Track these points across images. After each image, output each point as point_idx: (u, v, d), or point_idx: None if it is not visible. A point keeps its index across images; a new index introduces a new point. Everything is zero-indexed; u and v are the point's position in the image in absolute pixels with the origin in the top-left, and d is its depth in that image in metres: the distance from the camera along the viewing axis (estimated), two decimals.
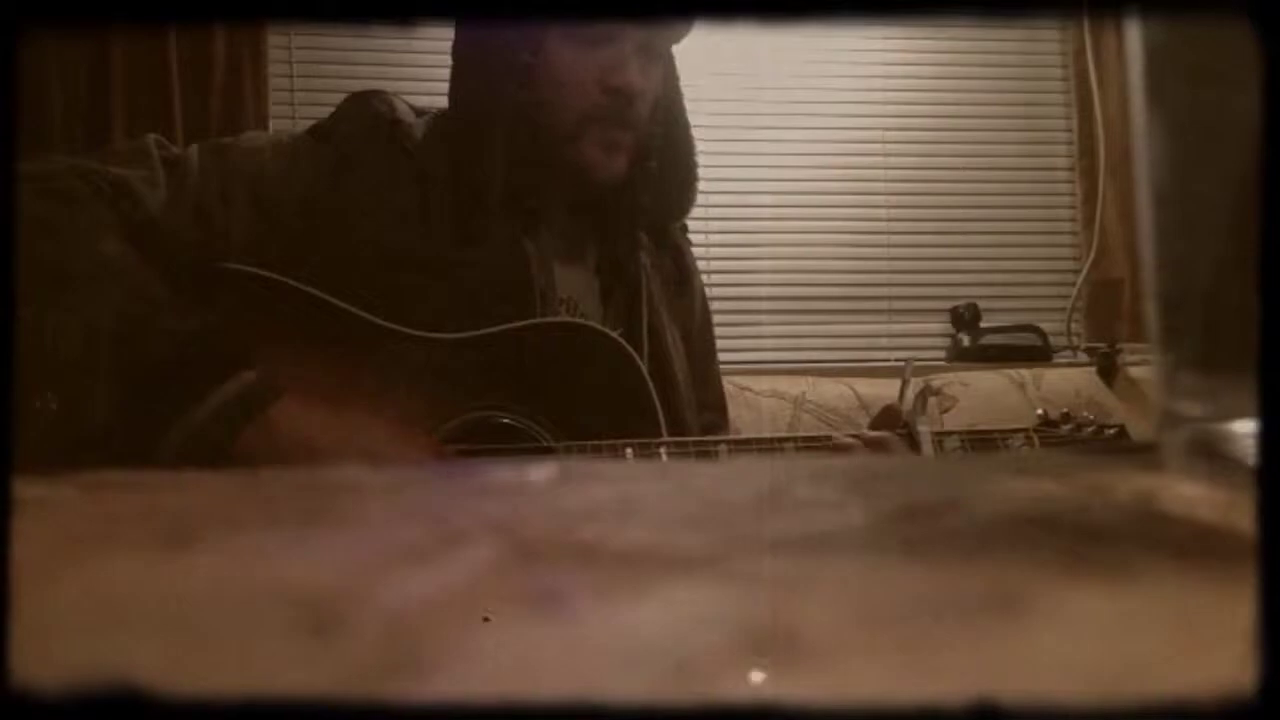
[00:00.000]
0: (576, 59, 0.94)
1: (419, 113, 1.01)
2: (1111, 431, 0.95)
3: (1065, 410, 1.00)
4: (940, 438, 0.93)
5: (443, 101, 1.01)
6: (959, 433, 0.94)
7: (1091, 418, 0.98)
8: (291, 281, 0.89)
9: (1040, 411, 1.01)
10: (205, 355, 0.79)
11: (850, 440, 0.92)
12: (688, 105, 1.06)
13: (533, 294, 0.96)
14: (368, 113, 0.98)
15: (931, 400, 0.93)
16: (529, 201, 0.98)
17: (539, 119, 0.95)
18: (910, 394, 0.94)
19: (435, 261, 0.93)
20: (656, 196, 1.03)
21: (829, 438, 0.94)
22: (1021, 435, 0.95)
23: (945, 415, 0.94)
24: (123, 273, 0.82)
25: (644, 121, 0.97)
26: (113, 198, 0.86)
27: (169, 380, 0.77)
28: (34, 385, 0.73)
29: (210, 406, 0.76)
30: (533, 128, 0.95)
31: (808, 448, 0.92)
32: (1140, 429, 0.92)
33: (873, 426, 0.99)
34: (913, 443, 0.92)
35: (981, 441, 0.94)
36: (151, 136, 0.94)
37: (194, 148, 0.95)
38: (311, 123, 1.02)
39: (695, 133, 1.06)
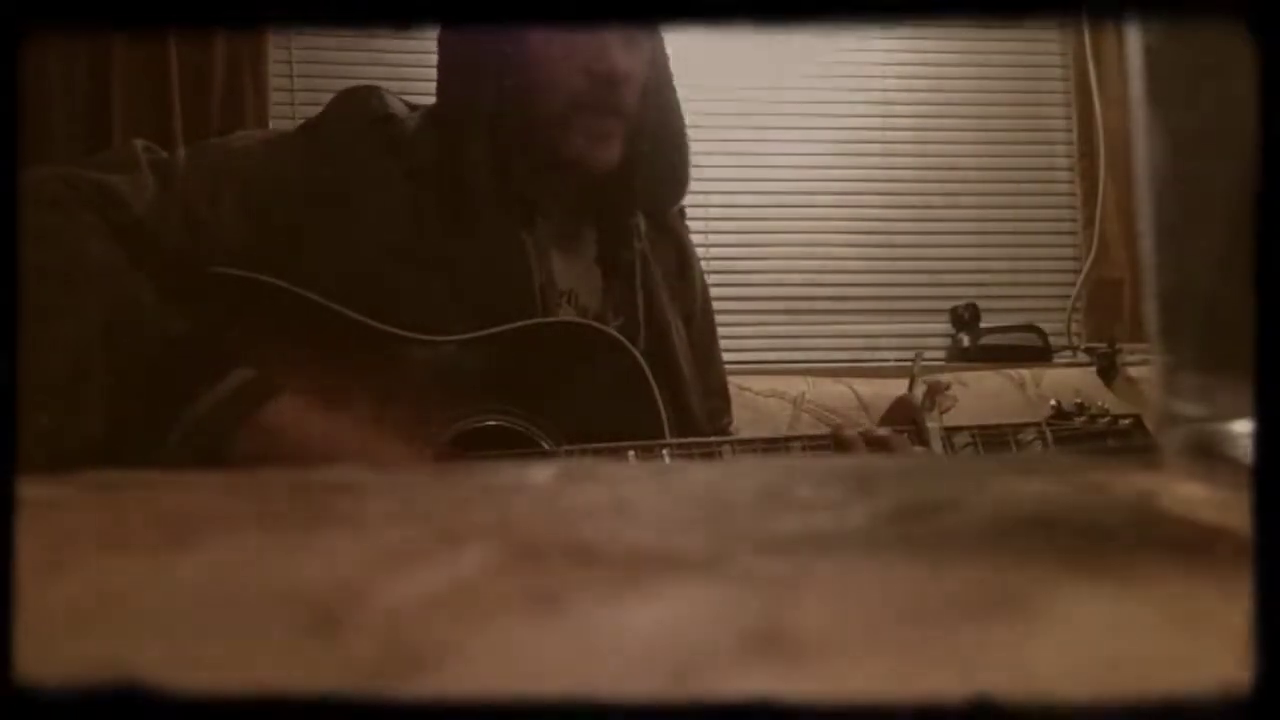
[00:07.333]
0: (558, 44, 0.91)
1: (413, 109, 0.99)
2: (1127, 422, 0.94)
3: (1079, 401, 0.98)
4: (950, 433, 0.91)
5: None
6: (970, 428, 0.92)
7: (1106, 407, 0.96)
8: (283, 284, 0.87)
9: (1054, 403, 0.99)
10: (198, 355, 0.78)
11: (856, 436, 0.90)
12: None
13: (533, 288, 0.94)
14: (358, 109, 0.96)
15: (940, 397, 0.92)
16: (523, 192, 0.97)
17: (524, 107, 0.93)
18: (919, 390, 0.93)
19: (432, 258, 0.91)
20: (649, 182, 1.00)
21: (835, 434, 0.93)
22: (1034, 429, 0.94)
23: (944, 415, 0.93)
24: (110, 277, 0.80)
25: (633, 107, 0.95)
26: (99, 204, 0.84)
27: (162, 382, 0.77)
28: (25, 398, 0.72)
29: (208, 404, 0.76)
30: (519, 117, 0.94)
31: (812, 448, 0.91)
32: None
33: (884, 420, 0.98)
34: (921, 438, 0.91)
35: (993, 437, 0.92)
36: (139, 141, 0.92)
37: (182, 150, 0.93)
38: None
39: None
